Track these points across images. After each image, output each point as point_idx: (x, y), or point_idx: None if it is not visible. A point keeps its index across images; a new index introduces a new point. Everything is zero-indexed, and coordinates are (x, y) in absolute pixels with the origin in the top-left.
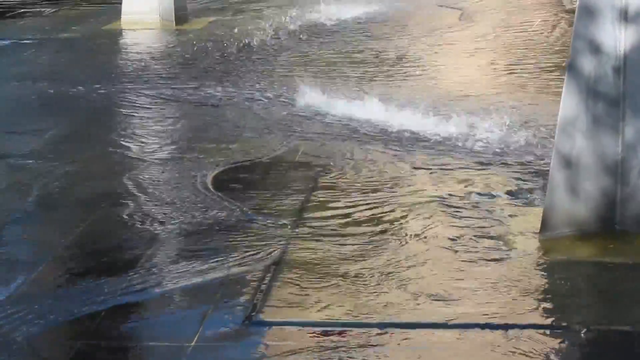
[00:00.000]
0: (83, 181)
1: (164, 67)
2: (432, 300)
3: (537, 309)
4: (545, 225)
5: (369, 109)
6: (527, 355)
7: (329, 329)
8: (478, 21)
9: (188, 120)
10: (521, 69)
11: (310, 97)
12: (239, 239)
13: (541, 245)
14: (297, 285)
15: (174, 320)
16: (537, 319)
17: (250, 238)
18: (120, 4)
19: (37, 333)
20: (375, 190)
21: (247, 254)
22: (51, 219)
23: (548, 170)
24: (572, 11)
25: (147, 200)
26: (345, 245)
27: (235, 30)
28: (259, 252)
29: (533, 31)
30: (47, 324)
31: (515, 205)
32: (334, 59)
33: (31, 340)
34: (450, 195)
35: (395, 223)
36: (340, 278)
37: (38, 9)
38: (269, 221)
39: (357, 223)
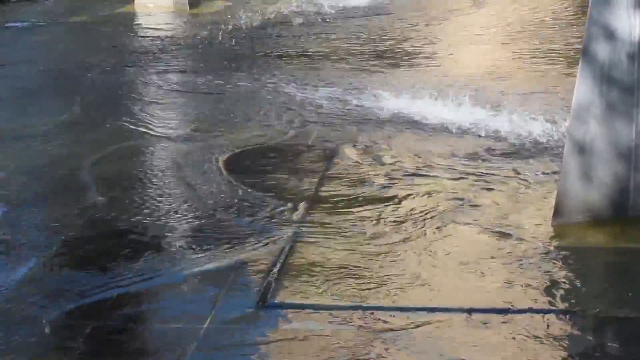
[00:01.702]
0: (96, 163)
1: (178, 50)
2: (449, 283)
3: (549, 294)
4: (558, 211)
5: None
6: (536, 340)
7: (343, 312)
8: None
9: (202, 103)
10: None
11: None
12: (252, 221)
13: (554, 231)
14: (312, 267)
15: (187, 303)
16: (549, 304)
17: (264, 220)
18: None
19: (50, 315)
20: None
21: (261, 236)
22: (64, 201)
23: None
24: None
25: (160, 183)
26: (361, 228)
27: (251, 14)
28: (272, 235)
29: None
30: (59, 306)
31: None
32: (347, 44)
33: (44, 322)
34: None
35: (413, 210)
36: (357, 260)
37: None
38: (282, 203)
39: (372, 205)
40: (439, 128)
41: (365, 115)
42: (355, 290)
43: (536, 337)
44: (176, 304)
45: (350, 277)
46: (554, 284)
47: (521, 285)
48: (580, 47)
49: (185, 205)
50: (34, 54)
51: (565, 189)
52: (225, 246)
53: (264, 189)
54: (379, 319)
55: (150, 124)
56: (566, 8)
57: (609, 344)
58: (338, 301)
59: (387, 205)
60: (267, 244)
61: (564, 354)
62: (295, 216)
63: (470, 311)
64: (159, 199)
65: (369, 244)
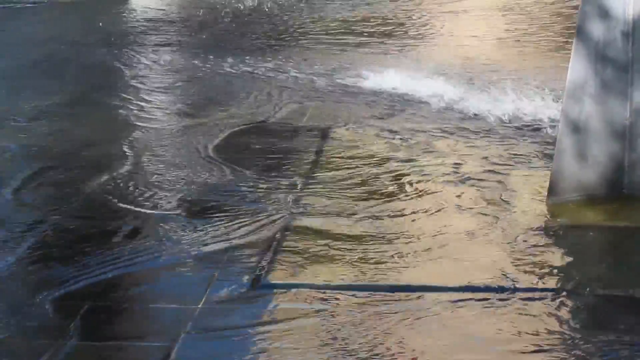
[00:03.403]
0: (91, 144)
1: (173, 29)
2: (444, 262)
3: (542, 272)
4: (552, 189)
5: None
6: (530, 318)
7: (337, 292)
8: None
9: (197, 84)
10: None
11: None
12: (245, 202)
13: (548, 209)
14: (305, 248)
15: (181, 284)
16: (542, 282)
17: (257, 201)
18: None
19: (45, 295)
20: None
21: (255, 217)
22: (58, 181)
23: None
24: None
25: (154, 165)
26: (355, 208)
27: None
28: (266, 216)
29: None
30: (54, 287)
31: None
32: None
33: (39, 302)
34: None
35: (410, 189)
36: (349, 241)
37: None
38: (276, 184)
39: (367, 187)
40: None
41: None
42: (350, 269)
43: (531, 315)
44: (171, 284)
45: (345, 257)
46: (548, 262)
47: (515, 264)
48: None
49: (179, 187)
50: (29, 33)
51: (560, 168)
52: (220, 228)
53: (259, 167)
54: (374, 298)
55: (143, 103)
56: None
57: (602, 321)
58: (332, 281)
59: (383, 183)
60: (262, 224)
61: (558, 331)
62: (292, 194)
63: (465, 290)
64: (152, 180)
65: (364, 222)
